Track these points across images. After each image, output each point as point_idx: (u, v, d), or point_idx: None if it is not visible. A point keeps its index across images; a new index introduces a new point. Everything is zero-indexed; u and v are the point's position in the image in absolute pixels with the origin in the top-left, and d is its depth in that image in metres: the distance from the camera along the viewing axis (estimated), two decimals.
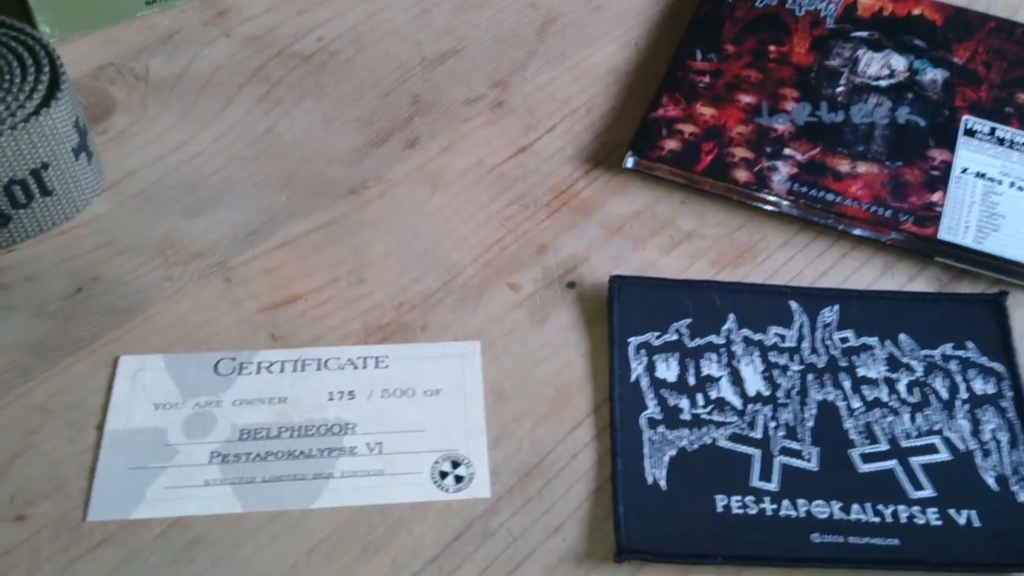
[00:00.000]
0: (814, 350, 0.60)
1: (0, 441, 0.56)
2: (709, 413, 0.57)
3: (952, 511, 0.54)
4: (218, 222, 0.66)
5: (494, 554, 0.53)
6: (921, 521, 0.53)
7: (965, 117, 0.70)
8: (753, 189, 0.66)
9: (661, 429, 0.56)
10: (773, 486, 0.54)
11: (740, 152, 0.68)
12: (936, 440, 0.56)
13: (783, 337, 0.60)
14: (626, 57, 0.77)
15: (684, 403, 0.57)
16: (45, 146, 0.61)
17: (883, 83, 0.72)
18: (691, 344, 0.60)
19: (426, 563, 0.53)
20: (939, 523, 0.53)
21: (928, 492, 0.54)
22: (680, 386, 0.58)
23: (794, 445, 0.56)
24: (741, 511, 0.53)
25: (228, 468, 0.55)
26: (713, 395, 0.58)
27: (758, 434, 0.56)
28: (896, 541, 0.53)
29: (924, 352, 0.60)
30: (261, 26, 0.77)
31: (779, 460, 0.55)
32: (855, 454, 0.56)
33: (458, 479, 0.55)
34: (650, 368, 0.58)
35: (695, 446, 0.56)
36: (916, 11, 0.77)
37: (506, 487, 0.55)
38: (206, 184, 0.68)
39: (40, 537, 0.53)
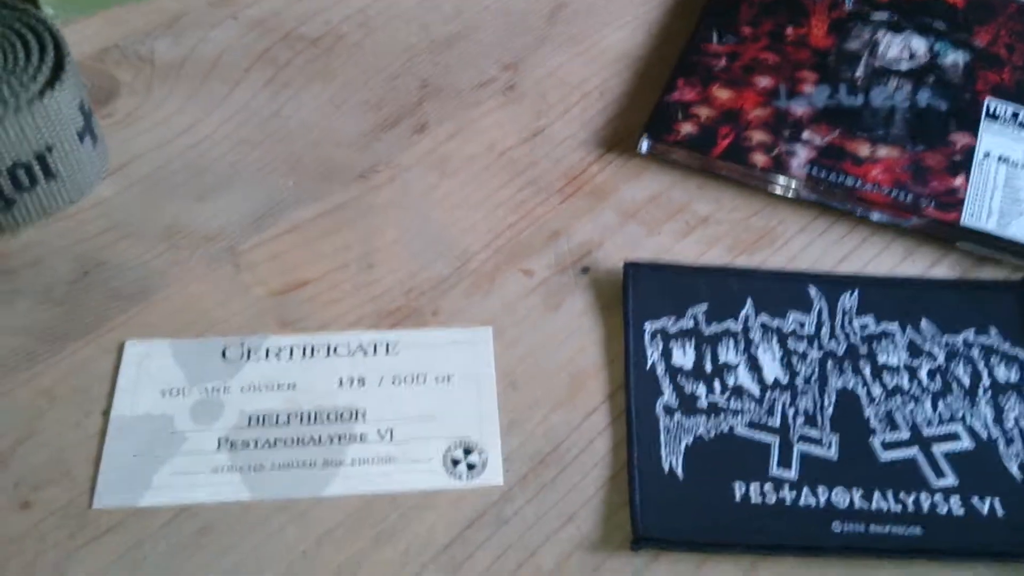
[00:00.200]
0: (833, 336, 0.58)
1: (5, 426, 0.55)
2: (726, 400, 0.56)
3: (975, 499, 0.53)
4: (225, 207, 0.65)
5: (507, 542, 0.52)
6: (943, 510, 0.52)
7: (987, 100, 0.69)
8: (771, 173, 0.65)
9: (678, 416, 0.55)
10: (792, 474, 0.53)
11: (758, 136, 0.66)
12: (958, 428, 0.55)
13: (802, 323, 0.59)
14: (639, 41, 0.76)
15: (701, 390, 0.56)
16: (49, 129, 0.60)
17: (903, 66, 0.71)
18: (708, 330, 0.58)
19: (438, 552, 0.51)
20: (962, 512, 0.52)
21: (950, 480, 0.53)
22: (697, 373, 0.57)
23: (813, 433, 0.55)
24: (759, 500, 0.52)
25: (236, 455, 0.53)
26: (730, 382, 0.56)
27: (776, 422, 0.55)
28: (919, 530, 0.51)
29: (946, 339, 0.59)
30: (268, 9, 0.76)
31: (798, 448, 0.54)
32: (876, 442, 0.54)
33: (470, 467, 0.54)
34: (666, 354, 0.57)
35: (712, 434, 0.54)
36: None
37: (519, 475, 0.54)
38: (213, 168, 0.67)
39: (45, 524, 0.52)
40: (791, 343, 0.58)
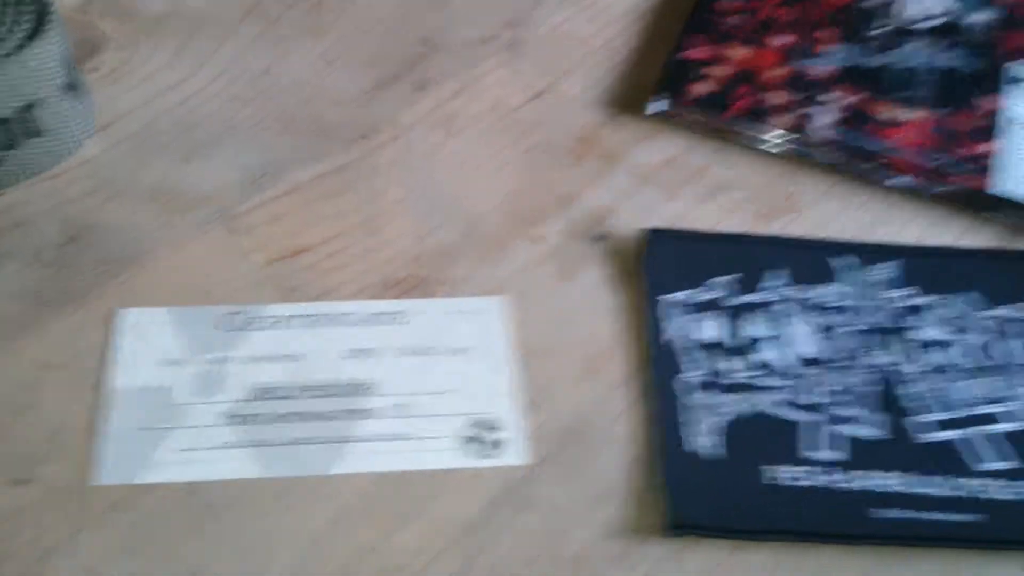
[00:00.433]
0: (864, 309, 0.56)
1: None
2: (755, 377, 0.53)
3: (1022, 483, 0.50)
4: (218, 166, 0.62)
5: (531, 526, 0.50)
6: (992, 495, 0.50)
7: (1013, 63, 0.67)
8: (792, 136, 0.62)
9: (705, 394, 0.53)
10: (828, 456, 0.51)
11: (776, 97, 0.64)
12: (1001, 408, 0.53)
13: (832, 295, 0.56)
14: None
15: (728, 366, 0.54)
16: (32, 83, 0.57)
17: (926, 25, 0.68)
18: (732, 302, 0.56)
19: (459, 535, 0.49)
20: (1010, 496, 0.50)
21: (996, 463, 0.51)
22: (722, 348, 0.54)
23: (849, 412, 0.52)
24: (794, 483, 0.50)
25: (242, 430, 0.51)
26: (759, 358, 0.54)
27: (810, 400, 0.53)
28: (966, 516, 0.49)
29: (985, 312, 0.56)
30: None
31: (833, 428, 0.52)
32: (914, 422, 0.52)
33: (489, 444, 0.51)
34: (688, 328, 0.55)
35: (743, 413, 0.52)
36: None
37: (542, 454, 0.52)
38: (203, 126, 0.64)
39: (43, 503, 0.49)
40: (822, 316, 0.56)
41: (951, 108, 0.64)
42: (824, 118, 0.63)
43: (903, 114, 0.63)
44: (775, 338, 0.55)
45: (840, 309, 0.56)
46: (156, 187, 0.61)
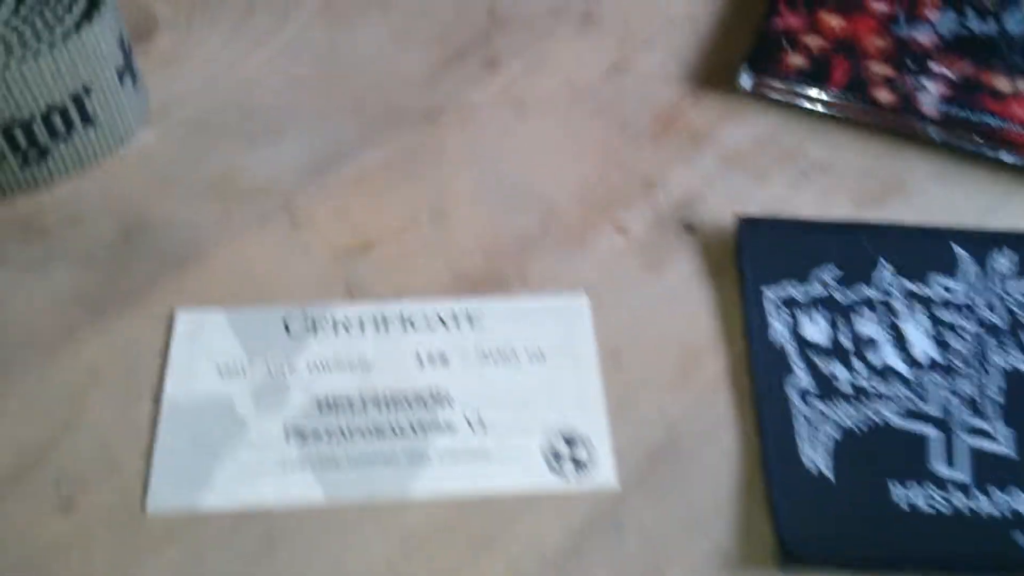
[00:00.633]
0: (989, 305, 0.51)
1: (44, 412, 0.48)
2: (872, 383, 0.48)
3: None
4: (279, 153, 0.58)
5: (626, 555, 0.45)
6: None
7: None
8: (898, 112, 0.57)
9: (816, 403, 0.48)
10: (961, 474, 0.46)
11: (879, 69, 0.59)
12: None
13: (950, 289, 0.51)
14: None
15: (840, 371, 0.49)
16: (87, 67, 0.53)
17: None
18: (841, 298, 0.51)
19: (545, 564, 0.45)
20: None
21: None
22: (832, 349, 0.49)
23: (981, 423, 0.47)
24: (924, 506, 0.45)
25: (306, 448, 0.47)
26: (875, 361, 0.49)
27: (936, 410, 0.47)
28: None
29: None
30: None
31: (965, 441, 0.47)
32: None
33: (577, 463, 0.47)
34: (793, 326, 0.50)
35: (861, 424, 0.47)
36: None
37: (635, 472, 0.47)
38: (263, 110, 0.60)
39: (93, 529, 0.45)
40: (942, 313, 0.51)
41: None
42: (931, 91, 0.58)
43: (1022, 85, 0.58)
44: (891, 338, 0.50)
45: (959, 306, 0.51)
46: (214, 177, 0.57)
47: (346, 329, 0.51)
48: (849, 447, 0.46)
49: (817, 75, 0.59)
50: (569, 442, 0.47)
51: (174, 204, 0.56)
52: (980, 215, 0.56)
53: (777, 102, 0.60)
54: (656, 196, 0.56)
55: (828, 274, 0.52)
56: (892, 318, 0.50)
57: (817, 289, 0.51)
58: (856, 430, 0.47)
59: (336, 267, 0.53)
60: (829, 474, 0.45)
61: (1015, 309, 0.51)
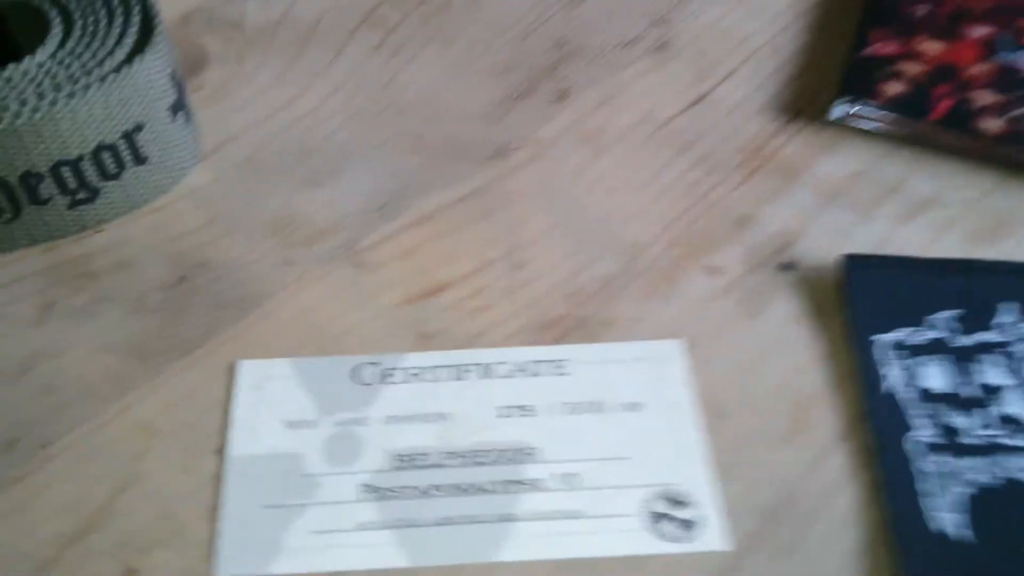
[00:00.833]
0: None
1: (100, 471, 0.44)
2: (1000, 436, 0.44)
3: None
4: (341, 194, 0.55)
5: None
6: None
7: None
8: (1008, 143, 0.53)
9: (942, 457, 0.43)
10: None
11: (984, 97, 0.55)
12: None
13: None
14: None
15: (966, 422, 0.44)
16: (139, 103, 0.50)
17: None
18: (960, 343, 0.47)
19: None
20: None
21: None
22: (955, 399, 0.45)
23: None
24: None
25: (385, 507, 0.43)
26: (1001, 411, 0.44)
27: None
28: None
29: None
30: None
31: None
32: None
33: (682, 524, 0.42)
34: (911, 375, 0.45)
35: (991, 481, 0.42)
36: None
37: (747, 536, 0.42)
38: (322, 149, 0.57)
39: None
40: None
41: None
42: None
43: None
44: (1019, 386, 0.45)
45: None
46: (271, 219, 0.54)
47: (420, 379, 0.47)
48: (981, 507, 0.42)
49: (916, 103, 0.55)
50: (673, 502, 0.43)
51: (230, 247, 0.52)
52: None
53: (873, 133, 0.56)
54: (751, 234, 0.52)
55: (945, 317, 0.47)
56: (1018, 364, 0.46)
57: (935, 333, 0.47)
58: (987, 488, 0.42)
59: (405, 314, 0.50)
60: (960, 537, 0.41)
61: None
